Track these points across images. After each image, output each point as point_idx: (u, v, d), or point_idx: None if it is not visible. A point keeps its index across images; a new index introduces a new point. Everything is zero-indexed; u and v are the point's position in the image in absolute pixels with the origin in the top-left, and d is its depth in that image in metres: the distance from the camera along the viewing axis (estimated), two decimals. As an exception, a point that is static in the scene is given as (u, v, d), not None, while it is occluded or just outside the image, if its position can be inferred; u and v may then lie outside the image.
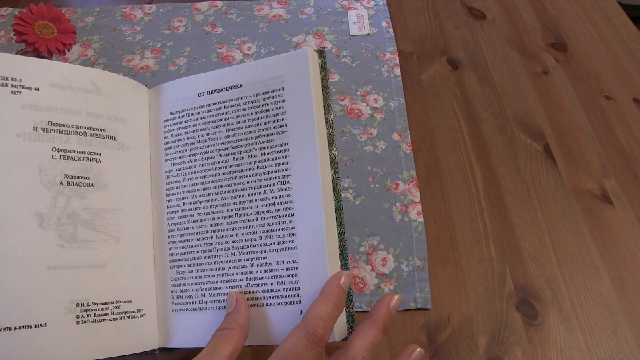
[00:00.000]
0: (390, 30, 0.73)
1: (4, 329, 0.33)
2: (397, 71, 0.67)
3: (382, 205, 0.54)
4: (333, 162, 0.38)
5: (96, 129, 0.40)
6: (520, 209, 0.54)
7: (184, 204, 0.40)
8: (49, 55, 0.51)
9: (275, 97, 0.39)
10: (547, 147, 0.59)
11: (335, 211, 0.37)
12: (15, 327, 0.33)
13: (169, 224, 0.40)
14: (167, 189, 0.41)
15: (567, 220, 0.53)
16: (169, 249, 0.40)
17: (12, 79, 0.37)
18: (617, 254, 0.51)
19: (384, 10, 0.76)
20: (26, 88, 0.38)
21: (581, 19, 0.76)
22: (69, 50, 0.53)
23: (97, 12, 0.77)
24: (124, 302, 0.38)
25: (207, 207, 0.39)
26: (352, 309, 0.36)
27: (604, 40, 0.72)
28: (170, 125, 0.42)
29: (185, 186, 0.41)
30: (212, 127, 0.41)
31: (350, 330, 0.36)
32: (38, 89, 0.38)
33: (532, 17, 0.76)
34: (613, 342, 0.45)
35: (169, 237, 0.40)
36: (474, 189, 0.56)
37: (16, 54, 0.55)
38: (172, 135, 0.42)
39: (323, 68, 0.40)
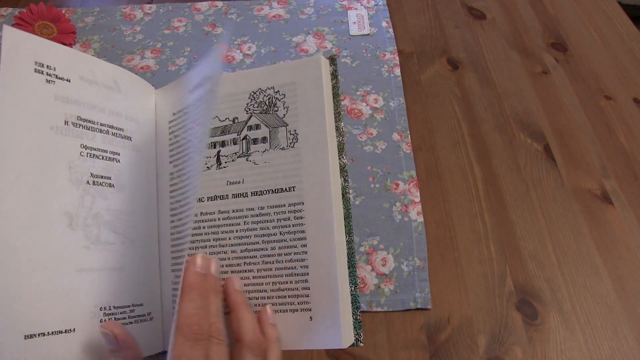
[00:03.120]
0: (390, 30, 0.73)
1: (39, 335, 0.32)
2: (397, 71, 0.67)
3: (382, 205, 0.54)
4: (343, 170, 0.38)
5: (116, 128, 0.39)
6: (520, 209, 0.54)
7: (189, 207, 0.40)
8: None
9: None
10: (547, 147, 0.59)
11: (345, 219, 0.37)
12: (48, 333, 0.32)
13: (171, 227, 0.40)
14: (170, 192, 0.41)
15: (567, 220, 0.53)
16: (172, 252, 0.40)
17: (47, 67, 0.36)
18: (617, 254, 0.51)
19: (384, 10, 0.76)
20: (59, 78, 0.36)
21: (581, 19, 0.76)
22: (69, 50, 0.53)
23: (97, 12, 0.77)
24: (137, 305, 0.38)
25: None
26: (359, 315, 0.36)
27: (604, 40, 0.72)
28: (174, 126, 0.42)
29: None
30: None
31: (357, 336, 0.36)
32: (69, 81, 0.37)
33: (532, 17, 0.76)
34: (613, 342, 0.45)
35: (172, 239, 0.40)
36: (474, 189, 0.56)
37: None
38: (175, 137, 0.42)
39: (334, 76, 0.40)
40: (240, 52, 0.70)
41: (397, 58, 0.69)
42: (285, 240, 0.37)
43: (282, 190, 0.38)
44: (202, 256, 0.35)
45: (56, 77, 0.36)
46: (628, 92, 0.65)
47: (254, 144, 0.39)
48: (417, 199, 0.54)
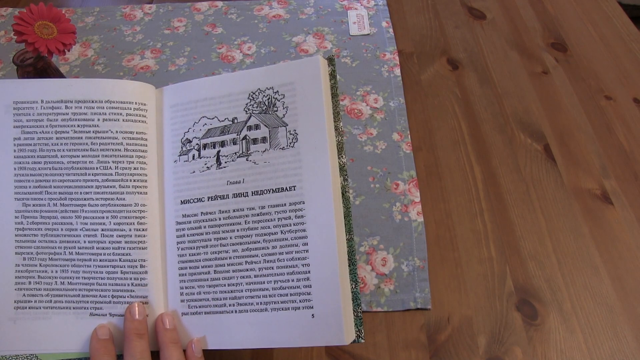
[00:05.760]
0: (390, 30, 0.73)
1: None
2: (397, 71, 0.67)
3: (382, 205, 0.54)
4: (342, 169, 0.39)
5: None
6: (520, 209, 0.54)
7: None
8: (49, 55, 0.51)
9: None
10: (547, 147, 0.59)
11: (344, 217, 0.38)
12: None
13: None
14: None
15: (567, 220, 0.53)
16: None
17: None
18: (617, 254, 0.51)
19: (384, 10, 0.76)
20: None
21: (581, 19, 0.76)
22: (69, 50, 0.53)
23: (97, 12, 0.77)
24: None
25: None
26: (360, 312, 0.37)
27: (604, 40, 0.72)
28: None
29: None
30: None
31: (358, 333, 0.37)
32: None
33: (532, 17, 0.76)
34: (613, 342, 0.45)
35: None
36: (474, 189, 0.56)
37: (16, 53, 0.55)
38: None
39: (332, 76, 0.40)
40: (240, 52, 0.70)
41: (397, 58, 0.69)
42: (286, 239, 0.37)
43: (282, 189, 0.38)
44: (130, 305, 0.38)
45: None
46: (628, 92, 0.65)
47: (254, 143, 0.39)
48: (417, 199, 0.54)
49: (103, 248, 0.39)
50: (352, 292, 0.37)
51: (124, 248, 0.39)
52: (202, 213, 0.39)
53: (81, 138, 0.40)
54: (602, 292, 0.48)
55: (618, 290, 0.48)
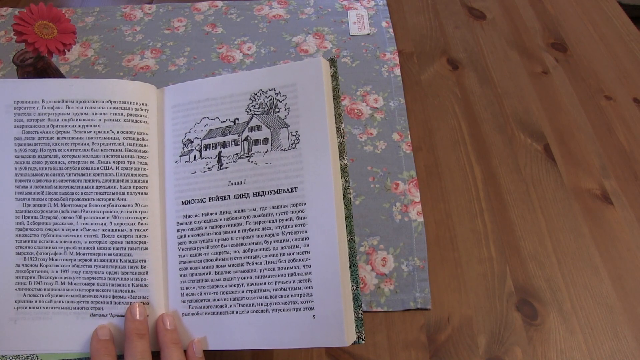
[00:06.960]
0: (390, 30, 0.73)
1: None
2: (397, 71, 0.67)
3: (382, 205, 0.54)
4: (343, 171, 0.39)
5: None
6: (520, 209, 0.54)
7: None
8: (49, 55, 0.51)
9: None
10: (547, 147, 0.59)
11: (346, 219, 0.38)
12: None
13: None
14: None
15: (567, 220, 0.53)
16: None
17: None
18: (617, 254, 0.51)
19: (384, 10, 0.76)
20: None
21: (581, 19, 0.76)
22: (69, 50, 0.53)
23: (97, 12, 0.77)
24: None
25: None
26: (361, 314, 0.37)
27: (604, 40, 0.72)
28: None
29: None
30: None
31: (359, 334, 0.37)
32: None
33: (532, 17, 0.76)
34: (613, 342, 0.45)
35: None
36: (474, 189, 0.56)
37: (16, 53, 0.55)
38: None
39: (334, 77, 0.40)
40: (240, 52, 0.70)
41: (397, 58, 0.69)
42: (287, 240, 0.37)
43: (284, 190, 0.38)
44: (131, 305, 0.38)
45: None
46: (628, 92, 0.65)
47: (256, 145, 0.39)
48: (417, 199, 0.54)
49: (104, 248, 0.39)
50: (353, 294, 0.37)
51: (124, 248, 0.39)
52: (203, 214, 0.39)
53: (82, 138, 0.40)
54: (602, 292, 0.48)
55: (618, 290, 0.48)
